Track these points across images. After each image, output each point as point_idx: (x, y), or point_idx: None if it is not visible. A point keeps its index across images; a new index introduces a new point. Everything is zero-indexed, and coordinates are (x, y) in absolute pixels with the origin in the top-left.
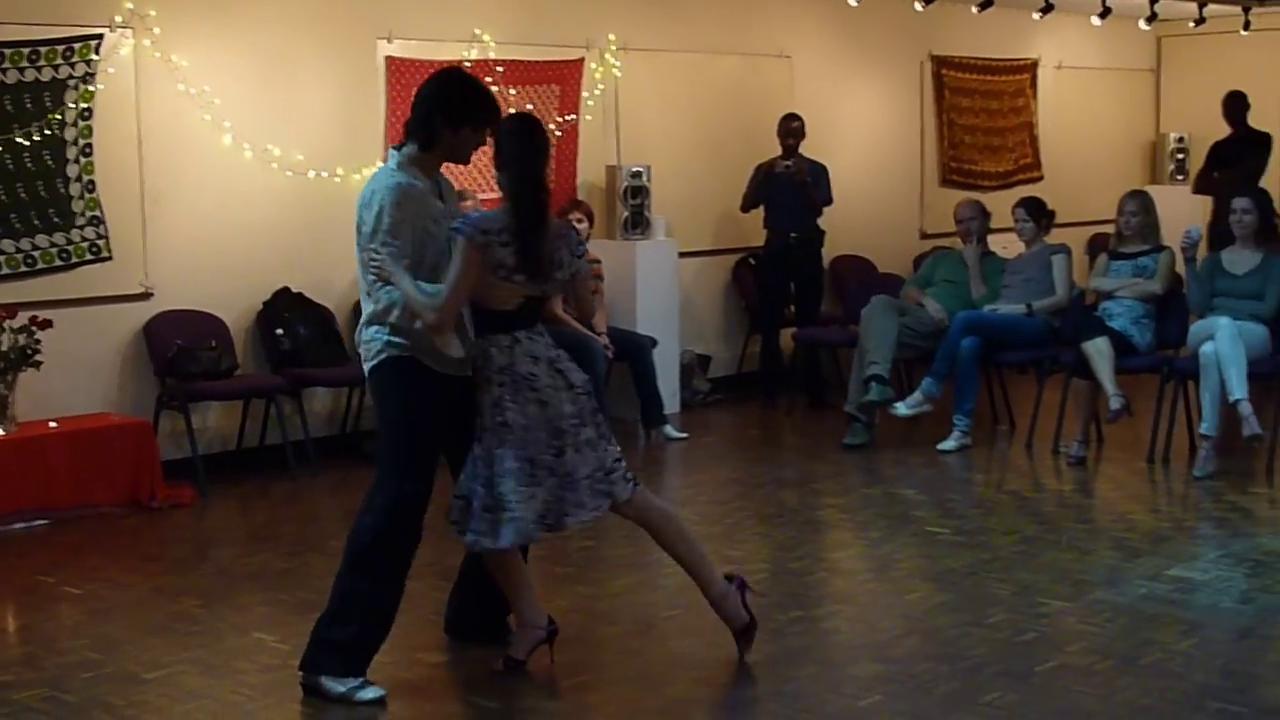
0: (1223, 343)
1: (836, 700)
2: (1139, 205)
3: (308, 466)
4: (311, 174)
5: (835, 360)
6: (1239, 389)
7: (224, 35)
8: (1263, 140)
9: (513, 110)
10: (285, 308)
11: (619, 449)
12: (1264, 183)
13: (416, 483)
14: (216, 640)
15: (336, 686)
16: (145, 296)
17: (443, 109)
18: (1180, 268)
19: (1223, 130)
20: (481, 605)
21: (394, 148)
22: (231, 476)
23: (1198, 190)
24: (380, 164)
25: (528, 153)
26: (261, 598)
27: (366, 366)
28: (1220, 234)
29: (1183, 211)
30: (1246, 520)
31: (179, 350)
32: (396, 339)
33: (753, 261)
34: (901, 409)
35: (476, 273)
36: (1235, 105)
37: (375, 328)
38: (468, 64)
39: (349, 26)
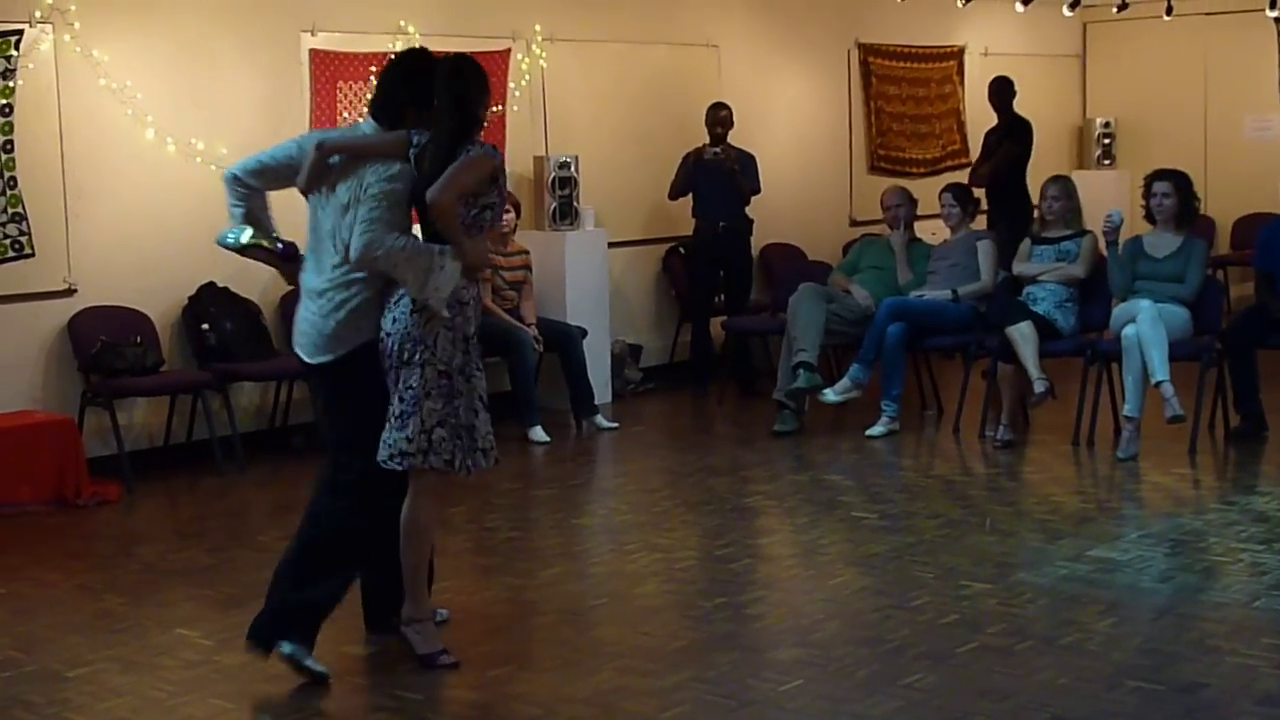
0: (1144, 325)
1: (759, 685)
2: (1061, 190)
3: (235, 462)
4: None
5: (765, 348)
6: (1161, 371)
7: (145, 29)
8: (1022, 127)
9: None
10: (211, 302)
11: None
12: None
13: None
14: (140, 637)
15: (285, 646)
16: (69, 293)
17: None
18: (1103, 250)
19: (1148, 113)
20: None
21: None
22: (158, 473)
23: (972, 183)
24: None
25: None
26: (186, 594)
27: None
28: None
29: (1108, 195)
30: (1168, 501)
31: (103, 346)
32: None
33: (682, 250)
34: (830, 395)
35: None
36: (1000, 91)
37: None
38: (392, 56)
39: (272, 19)
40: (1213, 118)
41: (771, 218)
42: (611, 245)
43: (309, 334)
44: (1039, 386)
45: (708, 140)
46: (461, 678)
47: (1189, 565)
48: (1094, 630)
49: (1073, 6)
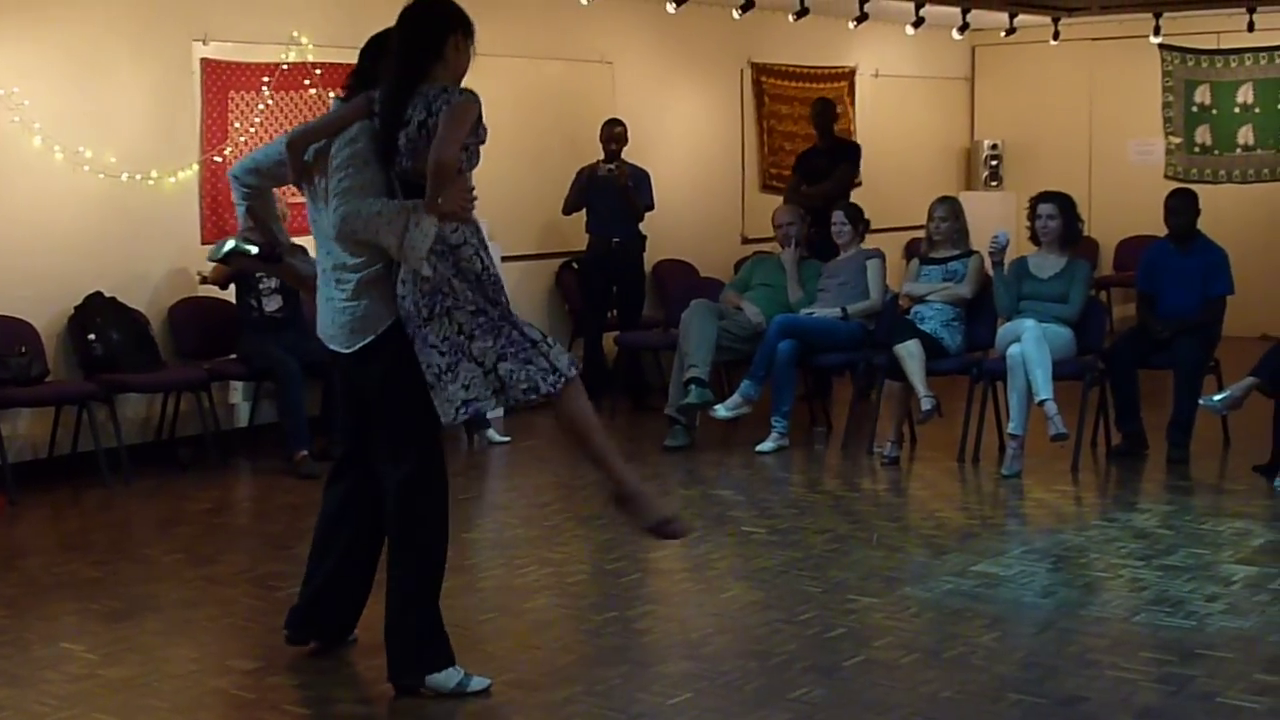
0: (1028, 345)
1: (648, 699)
2: (948, 211)
3: (121, 474)
4: (125, 176)
5: (657, 363)
6: (1044, 389)
7: (33, 35)
8: (853, 150)
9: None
10: (97, 312)
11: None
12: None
13: None
14: (22, 651)
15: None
16: None
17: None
18: (989, 270)
19: (1035, 136)
20: (336, 606)
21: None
22: (43, 485)
23: (788, 203)
24: (195, 166)
25: None
26: (70, 607)
27: None
28: (822, 244)
29: (994, 216)
30: (1051, 517)
31: None
32: None
33: (575, 266)
34: (721, 411)
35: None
36: (823, 113)
37: None
38: (285, 67)
39: (163, 27)
40: (1097, 141)
41: (664, 234)
42: (505, 259)
43: (338, 322)
44: (926, 404)
45: (602, 156)
46: (349, 692)
47: (1071, 580)
48: (978, 644)
49: (961, 30)
